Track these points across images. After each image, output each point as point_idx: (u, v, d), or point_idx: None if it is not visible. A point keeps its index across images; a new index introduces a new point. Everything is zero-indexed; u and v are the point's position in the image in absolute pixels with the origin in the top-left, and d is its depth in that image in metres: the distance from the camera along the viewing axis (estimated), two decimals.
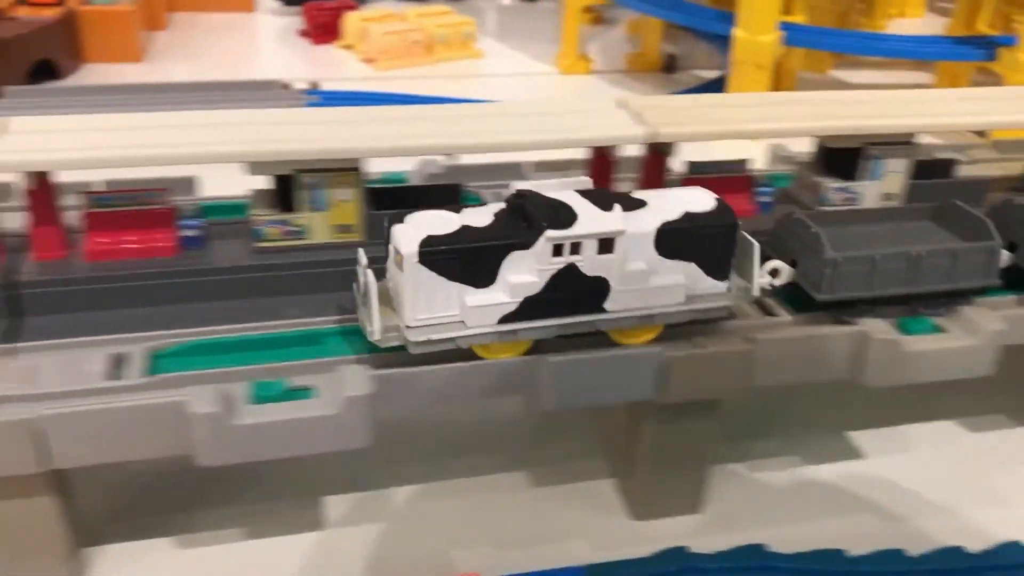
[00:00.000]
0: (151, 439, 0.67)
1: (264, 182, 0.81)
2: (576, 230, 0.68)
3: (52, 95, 1.65)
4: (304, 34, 2.37)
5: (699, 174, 0.90)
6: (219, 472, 0.69)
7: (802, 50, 1.93)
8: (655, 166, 0.89)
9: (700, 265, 0.73)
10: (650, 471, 0.83)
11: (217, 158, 0.76)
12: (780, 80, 1.85)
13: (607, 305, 0.71)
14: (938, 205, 0.87)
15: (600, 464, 0.90)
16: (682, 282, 0.72)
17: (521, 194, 0.71)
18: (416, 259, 0.66)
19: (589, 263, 0.69)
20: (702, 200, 0.74)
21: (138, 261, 0.78)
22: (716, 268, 0.74)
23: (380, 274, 0.70)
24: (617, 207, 0.70)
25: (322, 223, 0.80)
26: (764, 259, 0.77)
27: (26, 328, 0.74)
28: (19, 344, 0.71)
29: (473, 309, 0.68)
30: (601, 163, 0.88)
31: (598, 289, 0.70)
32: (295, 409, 0.67)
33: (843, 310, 0.80)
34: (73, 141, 0.75)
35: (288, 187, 0.80)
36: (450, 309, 0.69)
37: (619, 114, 0.87)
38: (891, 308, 0.81)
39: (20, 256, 0.79)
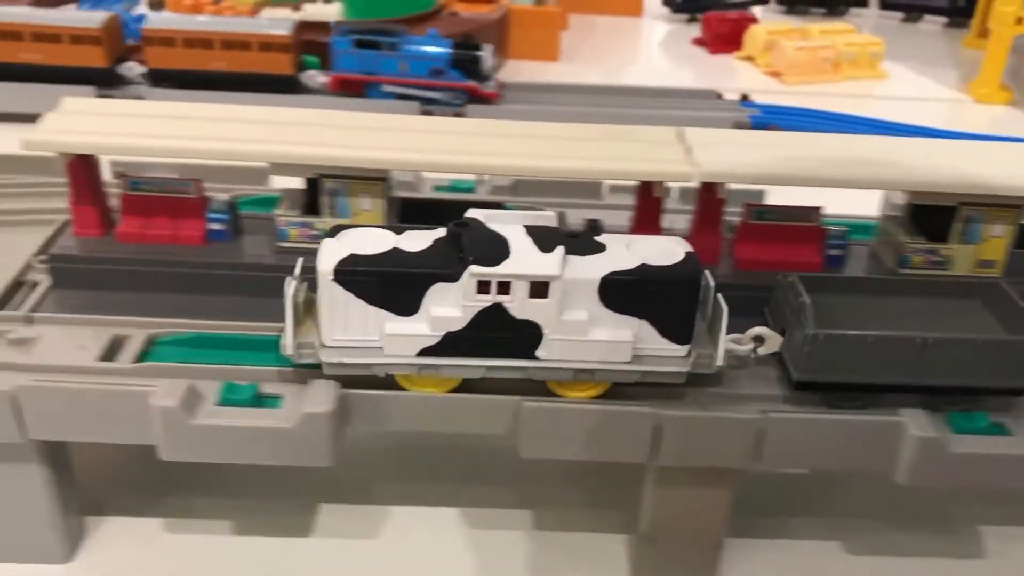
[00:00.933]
0: (118, 425, 0.68)
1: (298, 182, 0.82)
2: (503, 269, 0.63)
3: (545, 91, 1.75)
4: (699, 43, 2.37)
5: (758, 220, 0.82)
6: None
7: None
8: (708, 206, 0.81)
9: (653, 323, 0.66)
10: (657, 536, 0.76)
11: (240, 156, 0.76)
12: None
13: (540, 353, 0.66)
14: (989, 284, 0.75)
15: (612, 516, 0.84)
16: (629, 339, 0.66)
17: (463, 223, 0.66)
18: (331, 277, 0.63)
19: (519, 305, 0.64)
20: (670, 251, 0.67)
21: (165, 248, 0.80)
22: (673, 328, 0.67)
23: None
24: (560, 249, 0.64)
25: None
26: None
27: (50, 299, 0.77)
28: (36, 314, 0.75)
29: (392, 337, 0.65)
30: (648, 199, 0.82)
31: (529, 334, 0.65)
32: (252, 417, 0.66)
33: (834, 395, 0.70)
34: (111, 126, 0.77)
35: (315, 191, 0.79)
36: (369, 334, 0.65)
37: (671, 148, 0.80)
38: (902, 399, 0.70)
39: (66, 230, 0.83)
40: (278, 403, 0.68)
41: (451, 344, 0.65)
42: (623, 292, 0.65)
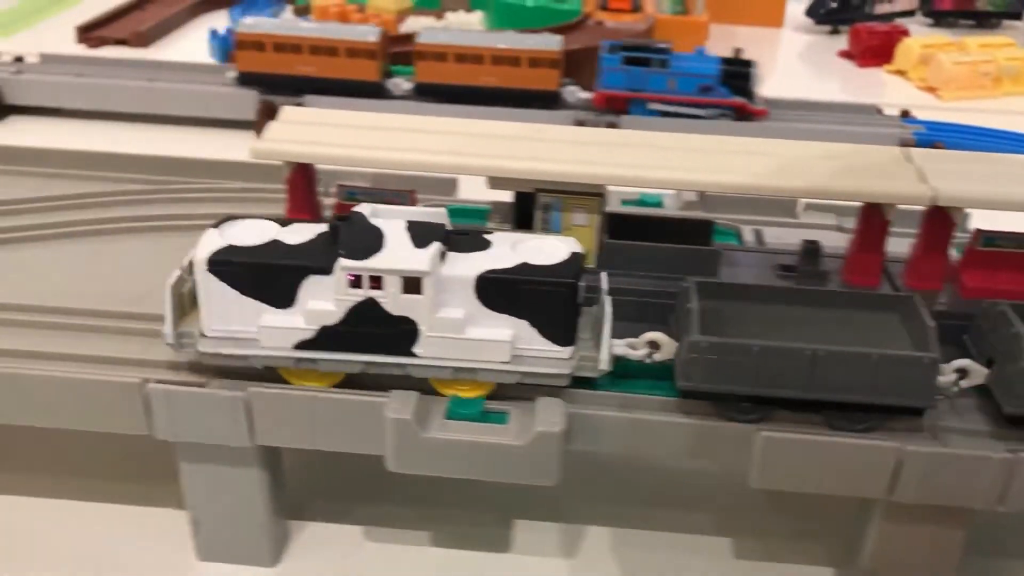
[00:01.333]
0: (346, 434, 0.68)
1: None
2: (373, 263, 0.63)
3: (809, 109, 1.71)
4: (846, 55, 2.30)
5: (989, 246, 0.78)
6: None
7: None
8: (937, 230, 0.77)
9: (533, 323, 0.65)
10: (880, 573, 0.73)
11: (459, 170, 0.76)
12: None
13: (417, 350, 0.66)
14: (907, 297, 0.71)
15: (817, 548, 0.81)
16: (507, 339, 0.65)
17: (345, 216, 0.67)
18: (205, 267, 0.64)
19: (393, 301, 0.64)
20: (555, 251, 0.67)
21: None
22: (553, 329, 0.66)
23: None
24: (435, 246, 0.64)
25: None
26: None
27: None
28: None
29: (268, 329, 0.66)
30: (873, 220, 0.78)
31: (405, 331, 0.65)
32: (483, 433, 0.66)
33: (720, 405, 0.67)
34: (330, 136, 0.78)
35: (526, 205, 0.79)
36: (247, 325, 0.66)
37: (901, 168, 0.77)
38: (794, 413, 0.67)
39: None
40: (505, 419, 0.68)
41: (327, 338, 0.66)
42: (500, 291, 0.65)
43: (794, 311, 0.72)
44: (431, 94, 1.60)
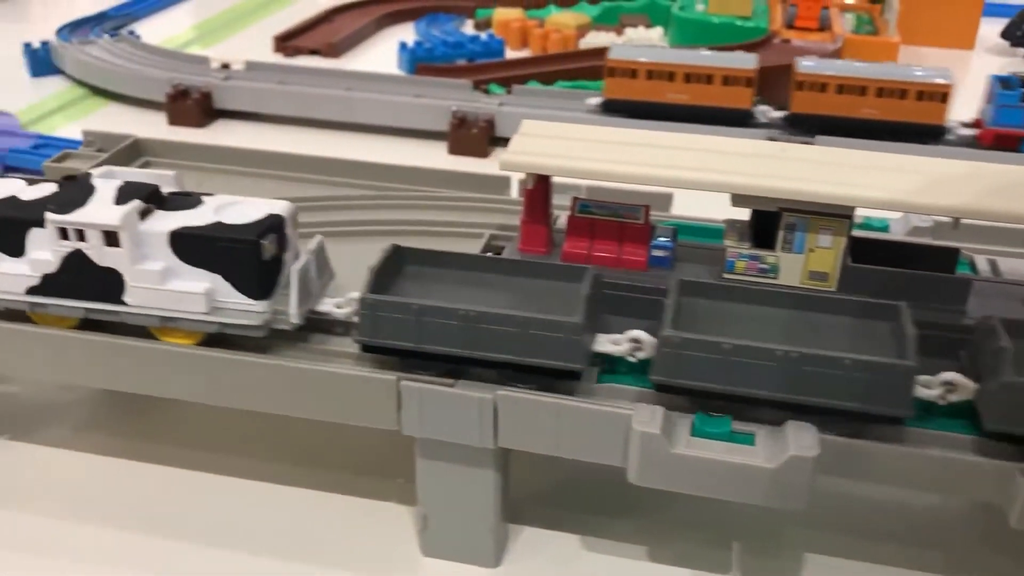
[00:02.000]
0: (587, 443, 0.69)
1: (742, 213, 0.80)
2: (73, 217, 0.71)
3: None
4: None
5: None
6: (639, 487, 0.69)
7: None
8: None
9: (227, 278, 0.72)
10: None
11: (704, 186, 0.76)
12: None
13: (126, 299, 0.74)
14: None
15: None
16: (203, 291, 0.72)
17: (73, 176, 0.78)
18: None
19: (97, 253, 0.72)
20: (255, 213, 0.73)
21: (607, 270, 0.81)
22: (246, 284, 0.72)
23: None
24: (134, 203, 0.72)
25: (796, 266, 0.77)
26: None
27: None
28: None
29: (4, 276, 0.75)
30: None
31: (112, 280, 0.73)
32: (733, 453, 0.65)
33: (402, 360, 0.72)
34: (572, 150, 0.80)
35: (766, 223, 0.78)
36: None
37: None
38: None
39: (510, 245, 0.87)
40: (751, 440, 0.67)
41: (51, 285, 0.74)
42: (192, 247, 0.72)
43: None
44: (619, 111, 1.60)
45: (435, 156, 1.60)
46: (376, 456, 0.90)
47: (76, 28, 2.09)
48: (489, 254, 0.85)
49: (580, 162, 0.78)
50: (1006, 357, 0.64)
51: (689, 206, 0.96)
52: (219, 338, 0.75)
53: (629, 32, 2.14)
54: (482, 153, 1.60)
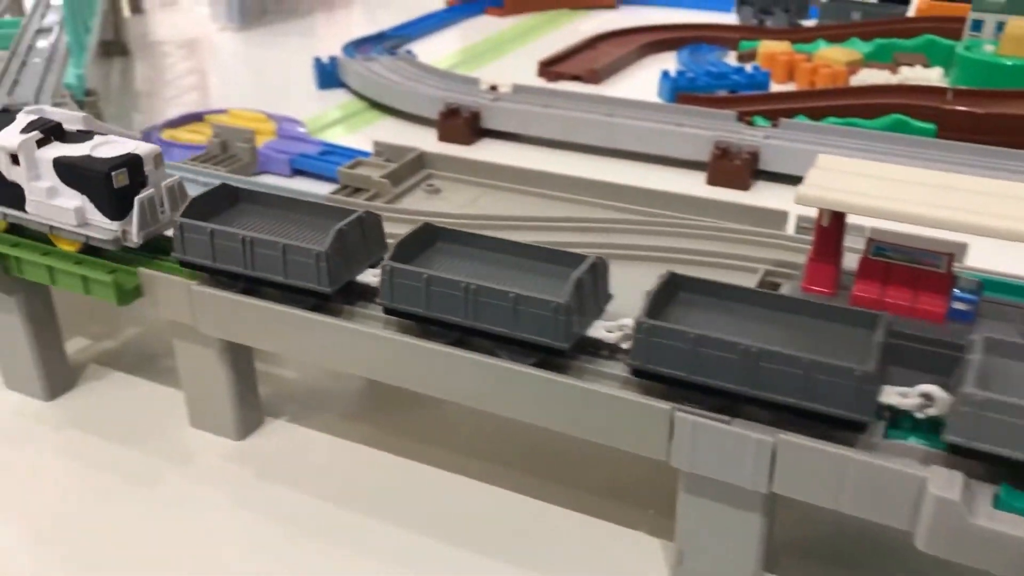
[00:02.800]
0: (876, 502, 0.65)
1: None
2: None
3: None
4: None
5: None
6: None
7: None
8: None
9: (91, 199, 0.86)
10: None
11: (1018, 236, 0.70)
12: None
13: (28, 208, 0.89)
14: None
15: None
16: (72, 207, 0.86)
17: (7, 109, 0.94)
18: None
19: (6, 169, 0.88)
20: (120, 149, 0.87)
21: (900, 319, 0.76)
22: (102, 205, 0.86)
23: None
24: (34, 133, 0.86)
25: None
26: None
27: None
28: None
29: None
30: None
31: (17, 192, 0.89)
32: None
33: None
34: (872, 188, 0.76)
35: None
36: None
37: None
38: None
39: (790, 283, 0.83)
40: None
41: None
42: (67, 172, 0.86)
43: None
44: None
45: (693, 185, 1.58)
46: (628, 482, 0.89)
47: (359, 45, 2.25)
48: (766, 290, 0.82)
49: (882, 202, 0.74)
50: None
51: (987, 258, 0.89)
52: (94, 250, 0.90)
53: (905, 71, 2.03)
54: (744, 185, 1.57)
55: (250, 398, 0.96)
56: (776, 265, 0.90)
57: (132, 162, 0.86)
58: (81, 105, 1.35)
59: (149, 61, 2.36)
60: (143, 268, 0.88)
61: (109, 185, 0.85)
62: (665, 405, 0.70)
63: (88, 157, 0.86)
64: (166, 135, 1.71)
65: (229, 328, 0.87)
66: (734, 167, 1.57)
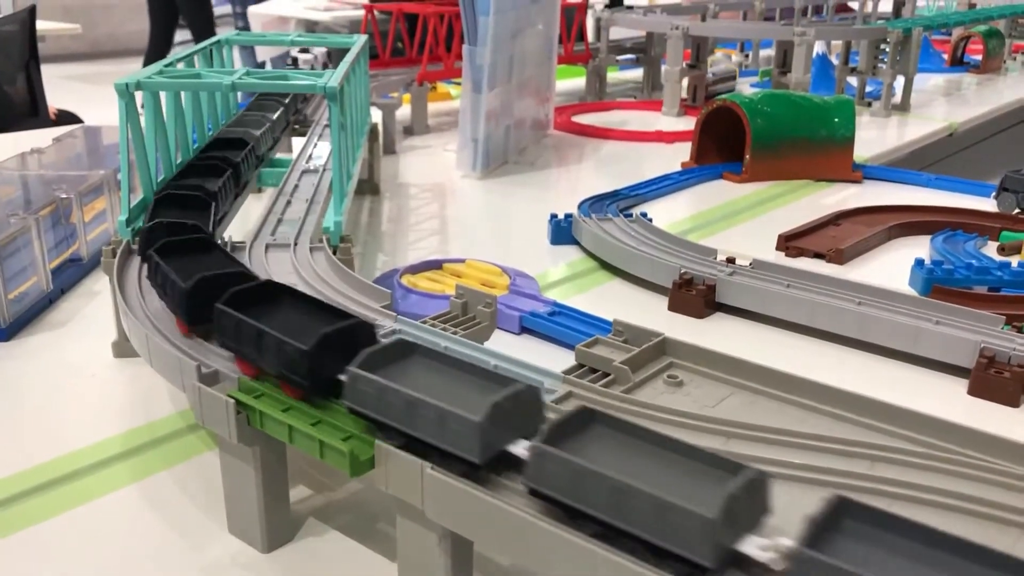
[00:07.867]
0: None
1: None
2: None
3: None
4: None
5: None
6: None
7: None
8: None
9: None
10: None
11: None
12: None
13: None
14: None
15: None
16: None
17: None
18: None
19: None
20: None
21: None
22: None
23: None
24: None
25: None
26: None
27: None
28: None
29: None
30: None
31: None
32: None
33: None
34: None
35: None
36: None
37: None
38: None
39: None
40: None
41: None
42: None
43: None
44: None
45: (952, 395, 1.43)
46: None
47: (593, 203, 2.27)
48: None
49: None
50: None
51: None
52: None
53: None
54: (1013, 402, 1.40)
55: None
56: None
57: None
58: (335, 251, 1.41)
59: (396, 202, 2.49)
60: (379, 441, 0.87)
61: None
62: None
63: None
64: (406, 280, 1.76)
65: (458, 520, 0.83)
66: (1001, 380, 1.41)
